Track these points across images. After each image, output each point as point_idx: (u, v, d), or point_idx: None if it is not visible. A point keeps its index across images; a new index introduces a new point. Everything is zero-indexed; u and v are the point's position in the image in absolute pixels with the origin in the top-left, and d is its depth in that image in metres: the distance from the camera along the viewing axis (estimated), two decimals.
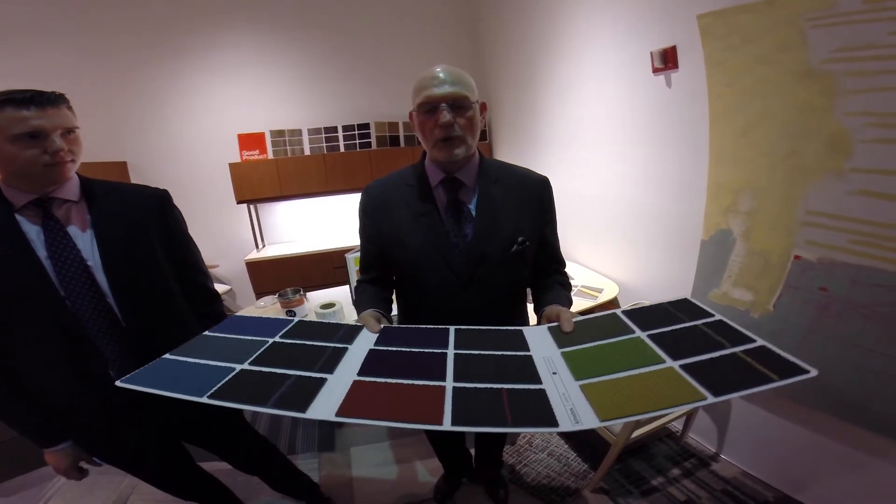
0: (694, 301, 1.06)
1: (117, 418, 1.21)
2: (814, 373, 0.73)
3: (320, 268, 4.26)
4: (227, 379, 0.87)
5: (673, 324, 0.98)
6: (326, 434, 2.52)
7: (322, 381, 0.87)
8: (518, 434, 2.36)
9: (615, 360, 0.89)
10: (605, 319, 1.08)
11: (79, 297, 1.08)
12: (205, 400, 0.80)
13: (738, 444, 2.08)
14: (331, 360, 0.95)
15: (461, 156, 1.12)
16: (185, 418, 1.33)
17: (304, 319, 1.18)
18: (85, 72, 3.94)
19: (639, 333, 0.97)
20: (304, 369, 0.91)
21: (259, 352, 0.98)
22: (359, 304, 1.26)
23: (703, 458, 2.14)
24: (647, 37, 2.27)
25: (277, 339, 1.05)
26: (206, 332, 1.09)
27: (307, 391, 0.83)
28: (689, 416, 2.12)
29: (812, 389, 1.67)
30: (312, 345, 1.02)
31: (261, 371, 0.90)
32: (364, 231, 1.30)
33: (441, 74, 1.07)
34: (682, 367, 0.83)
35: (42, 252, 1.05)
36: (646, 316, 1.05)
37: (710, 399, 0.73)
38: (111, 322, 1.13)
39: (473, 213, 1.18)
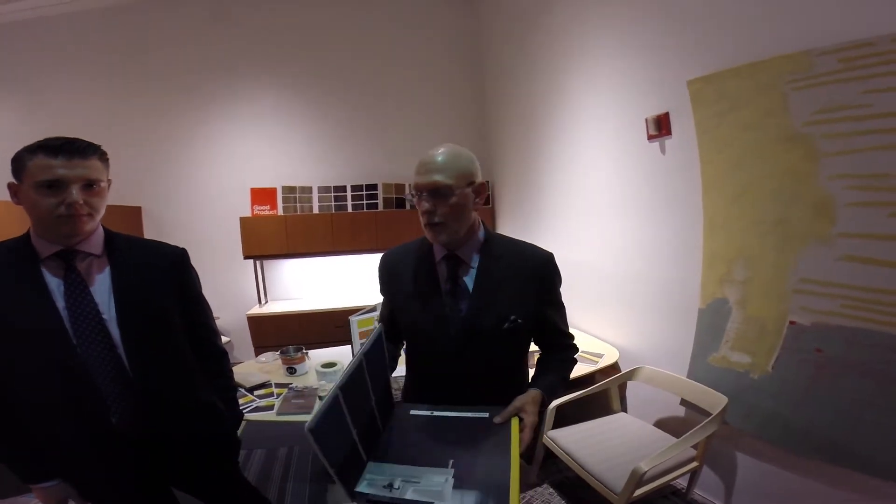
0: None
1: (112, 461, 1.20)
2: None
3: (321, 326, 4.23)
4: None
5: None
6: (320, 489, 2.42)
7: None
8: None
9: None
10: None
11: (90, 345, 1.10)
12: None
13: (745, 498, 2.03)
14: None
15: (444, 241, 1.18)
16: (180, 465, 1.32)
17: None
18: (110, 113, 4.14)
19: None
20: None
21: None
22: None
23: None
24: (641, 104, 2.39)
25: None
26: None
27: None
28: (694, 473, 2.08)
29: (815, 442, 1.67)
30: None
31: None
32: (381, 293, 1.40)
33: (430, 163, 1.12)
34: None
35: (60, 302, 1.08)
36: None
37: None
38: (118, 372, 1.14)
39: (470, 288, 1.23)
